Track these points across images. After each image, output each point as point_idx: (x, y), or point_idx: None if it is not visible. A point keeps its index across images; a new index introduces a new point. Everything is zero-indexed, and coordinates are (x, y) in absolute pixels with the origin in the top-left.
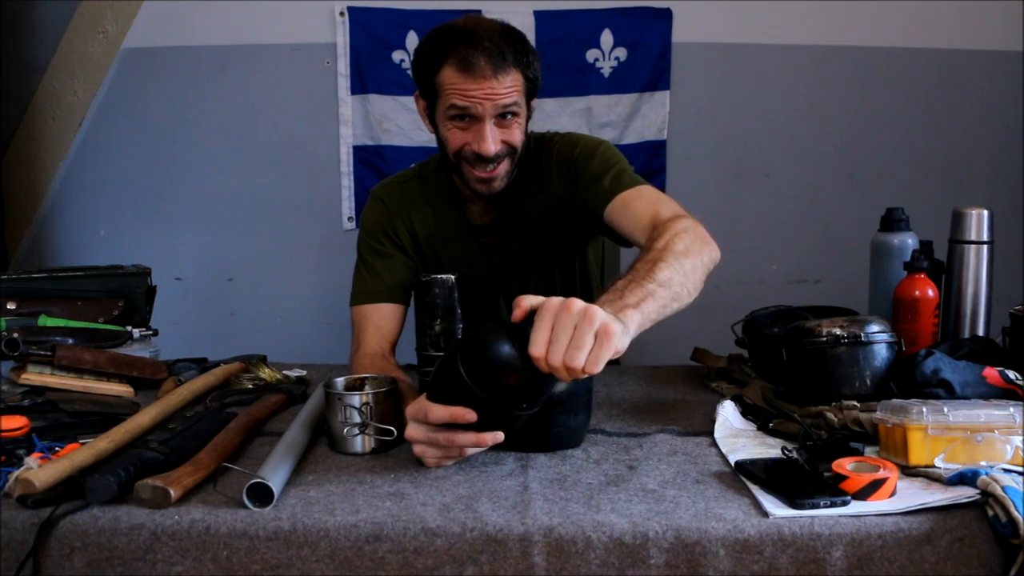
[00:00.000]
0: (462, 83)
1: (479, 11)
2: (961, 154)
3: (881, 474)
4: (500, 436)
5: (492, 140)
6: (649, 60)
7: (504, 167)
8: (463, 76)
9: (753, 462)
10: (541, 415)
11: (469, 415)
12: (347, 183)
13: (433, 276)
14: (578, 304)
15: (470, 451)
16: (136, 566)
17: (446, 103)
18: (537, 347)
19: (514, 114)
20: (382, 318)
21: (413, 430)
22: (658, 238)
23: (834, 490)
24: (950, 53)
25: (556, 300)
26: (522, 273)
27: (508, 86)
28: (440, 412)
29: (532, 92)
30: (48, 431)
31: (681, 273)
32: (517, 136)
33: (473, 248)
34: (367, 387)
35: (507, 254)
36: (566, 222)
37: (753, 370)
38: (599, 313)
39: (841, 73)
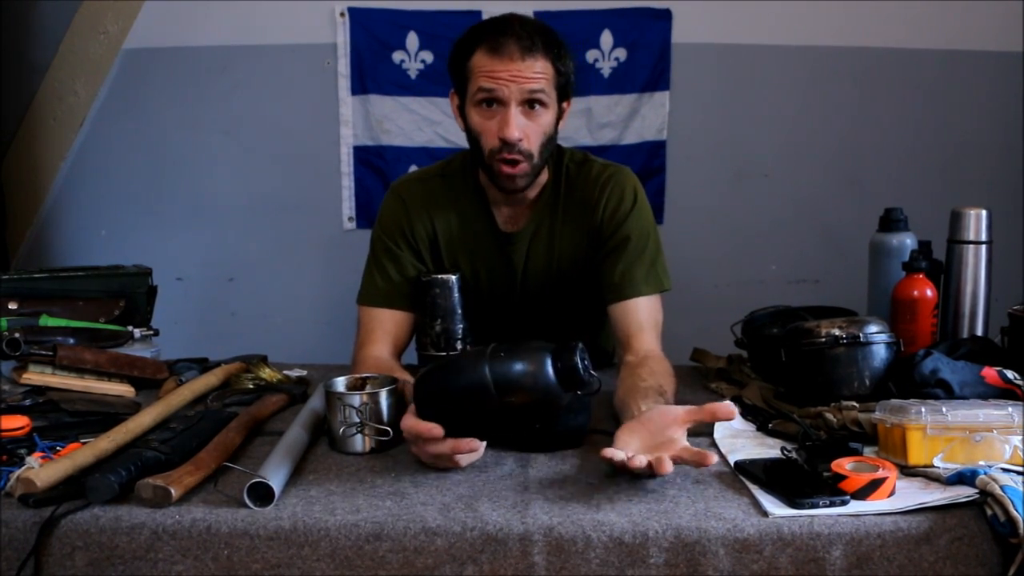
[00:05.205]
0: (490, 65)
1: (479, 12)
2: (961, 154)
3: (880, 474)
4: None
5: (516, 125)
6: (649, 60)
7: (524, 168)
8: (491, 58)
9: (753, 462)
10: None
11: (436, 430)
12: (347, 183)
13: (433, 276)
14: None
15: (464, 459)
16: (137, 565)
17: (475, 87)
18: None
19: (542, 104)
20: (392, 324)
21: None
22: (664, 374)
23: (833, 490)
24: (950, 53)
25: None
26: (540, 289)
27: (536, 71)
28: (410, 425)
29: (564, 89)
30: (49, 431)
31: None
32: (540, 131)
33: (496, 254)
34: (367, 387)
35: (530, 266)
36: (591, 257)
37: (752, 370)
38: None
39: (841, 73)
